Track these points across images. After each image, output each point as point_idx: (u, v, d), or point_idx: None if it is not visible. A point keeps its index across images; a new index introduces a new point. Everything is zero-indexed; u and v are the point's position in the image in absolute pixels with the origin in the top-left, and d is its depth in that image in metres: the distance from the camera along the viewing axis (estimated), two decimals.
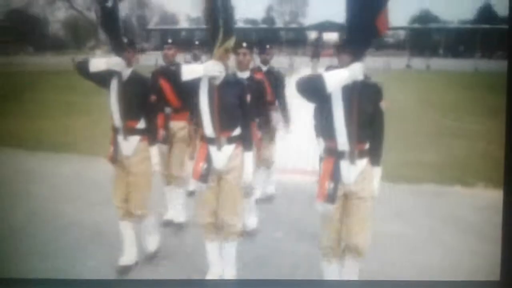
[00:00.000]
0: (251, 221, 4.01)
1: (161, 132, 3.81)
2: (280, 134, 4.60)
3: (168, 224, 4.06)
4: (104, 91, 3.23)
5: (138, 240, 3.47)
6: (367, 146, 2.72)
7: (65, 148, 6.73)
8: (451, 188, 5.28)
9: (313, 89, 2.52)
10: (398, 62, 23.50)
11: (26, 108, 9.54)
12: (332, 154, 2.69)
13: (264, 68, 4.46)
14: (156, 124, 3.41)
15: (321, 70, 2.73)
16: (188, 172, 3.52)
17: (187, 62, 4.49)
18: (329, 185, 2.66)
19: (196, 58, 4.90)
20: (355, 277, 2.85)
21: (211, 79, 2.86)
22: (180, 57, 4.13)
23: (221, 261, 3.18)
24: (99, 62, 3.07)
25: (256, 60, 4.38)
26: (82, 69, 3.06)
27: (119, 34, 3.11)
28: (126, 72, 3.19)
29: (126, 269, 3.37)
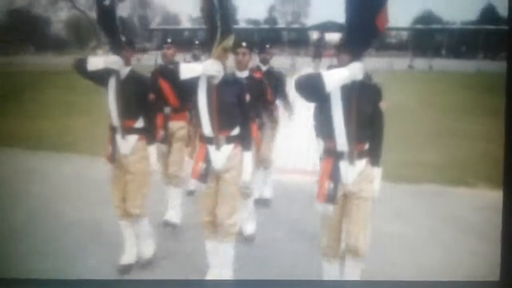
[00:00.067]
0: (250, 226, 3.94)
1: (161, 132, 3.81)
2: (284, 121, 4.57)
3: (167, 224, 4.04)
4: (105, 91, 3.22)
5: (139, 239, 3.46)
6: (366, 146, 2.70)
7: (66, 147, 6.75)
8: (451, 188, 5.27)
9: (311, 88, 2.51)
10: (401, 62, 23.49)
11: (27, 108, 9.56)
12: (331, 155, 2.67)
13: (264, 68, 4.45)
14: (154, 123, 3.39)
15: (323, 70, 2.73)
16: (187, 171, 3.51)
17: (187, 62, 4.48)
18: (328, 186, 2.65)
19: (196, 58, 4.90)
20: (356, 278, 2.84)
21: (209, 79, 2.85)
22: (180, 57, 4.13)
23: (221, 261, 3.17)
24: (97, 60, 3.05)
25: (255, 60, 4.38)
26: (80, 67, 3.04)
27: (117, 33, 3.09)
28: (124, 71, 3.17)
29: (127, 268, 3.36)
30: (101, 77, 3.13)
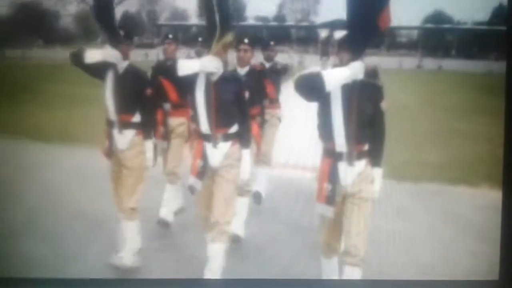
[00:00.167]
0: (238, 226, 3.75)
1: (161, 129, 3.79)
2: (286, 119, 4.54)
3: (160, 222, 3.98)
4: (103, 84, 3.19)
5: (140, 228, 3.42)
6: (366, 147, 2.67)
7: (76, 139, 6.71)
8: (451, 187, 5.26)
9: (311, 88, 2.48)
10: (410, 62, 23.34)
11: (35, 100, 9.58)
12: (330, 155, 2.65)
13: (267, 65, 4.42)
14: (152, 118, 3.36)
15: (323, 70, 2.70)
16: (186, 168, 3.49)
17: (190, 58, 4.45)
18: (327, 187, 2.63)
19: (199, 55, 4.87)
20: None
21: (208, 75, 2.83)
22: (184, 53, 4.10)
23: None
24: (95, 53, 3.02)
25: (259, 57, 4.35)
26: (77, 59, 3.01)
27: (114, 26, 3.06)
28: (122, 65, 3.14)
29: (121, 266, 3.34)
30: (98, 70, 3.10)
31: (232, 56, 3.72)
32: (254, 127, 3.63)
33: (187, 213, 4.05)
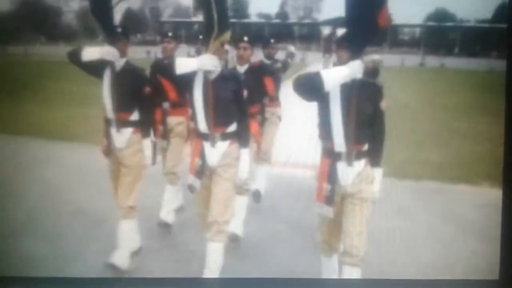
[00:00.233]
0: (237, 225, 3.72)
1: (160, 128, 3.76)
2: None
3: (160, 223, 3.94)
4: (101, 82, 3.16)
5: (140, 226, 3.41)
6: (365, 147, 2.64)
7: (78, 137, 6.71)
8: (452, 186, 5.23)
9: (310, 87, 2.45)
10: (412, 60, 23.29)
11: (37, 97, 9.59)
12: (329, 155, 2.63)
13: (268, 63, 4.39)
14: (150, 116, 3.33)
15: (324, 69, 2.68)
16: (185, 167, 3.48)
17: (191, 56, 4.43)
18: (327, 187, 2.61)
19: (200, 53, 4.84)
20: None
21: (206, 74, 2.81)
22: (184, 51, 4.07)
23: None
24: (92, 51, 2.97)
25: (260, 55, 4.33)
26: (74, 57, 2.97)
27: (112, 22, 3.03)
28: (120, 63, 3.10)
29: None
30: (95, 68, 3.06)
31: (232, 54, 3.71)
32: (254, 126, 3.62)
33: (186, 212, 4.04)
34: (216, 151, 2.90)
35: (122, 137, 3.16)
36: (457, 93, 12.25)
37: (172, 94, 3.81)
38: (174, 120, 3.87)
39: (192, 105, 2.88)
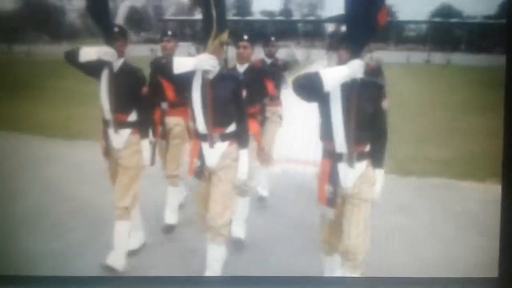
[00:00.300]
0: (239, 229, 3.69)
1: (159, 128, 3.73)
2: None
3: (165, 226, 3.92)
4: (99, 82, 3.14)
5: (144, 223, 3.42)
6: (367, 148, 2.61)
7: (79, 135, 6.73)
8: (456, 182, 5.21)
9: (310, 88, 2.42)
10: (418, 56, 23.18)
11: (40, 96, 9.62)
12: (330, 156, 2.60)
13: (269, 61, 4.36)
14: (148, 117, 3.31)
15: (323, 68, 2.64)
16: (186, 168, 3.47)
17: (191, 55, 4.39)
18: (328, 189, 2.59)
19: (199, 52, 4.81)
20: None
21: (204, 73, 2.78)
22: (184, 50, 4.03)
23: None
24: (90, 51, 2.94)
25: (260, 53, 4.29)
26: (71, 58, 2.94)
27: (109, 22, 2.99)
28: (117, 63, 3.07)
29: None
30: (93, 69, 3.03)
31: (232, 53, 3.68)
32: (254, 125, 3.58)
33: (187, 209, 4.02)
34: (215, 152, 2.87)
35: (120, 138, 3.14)
36: (463, 89, 12.20)
37: (170, 93, 3.76)
38: (173, 121, 3.82)
39: (190, 105, 2.86)
